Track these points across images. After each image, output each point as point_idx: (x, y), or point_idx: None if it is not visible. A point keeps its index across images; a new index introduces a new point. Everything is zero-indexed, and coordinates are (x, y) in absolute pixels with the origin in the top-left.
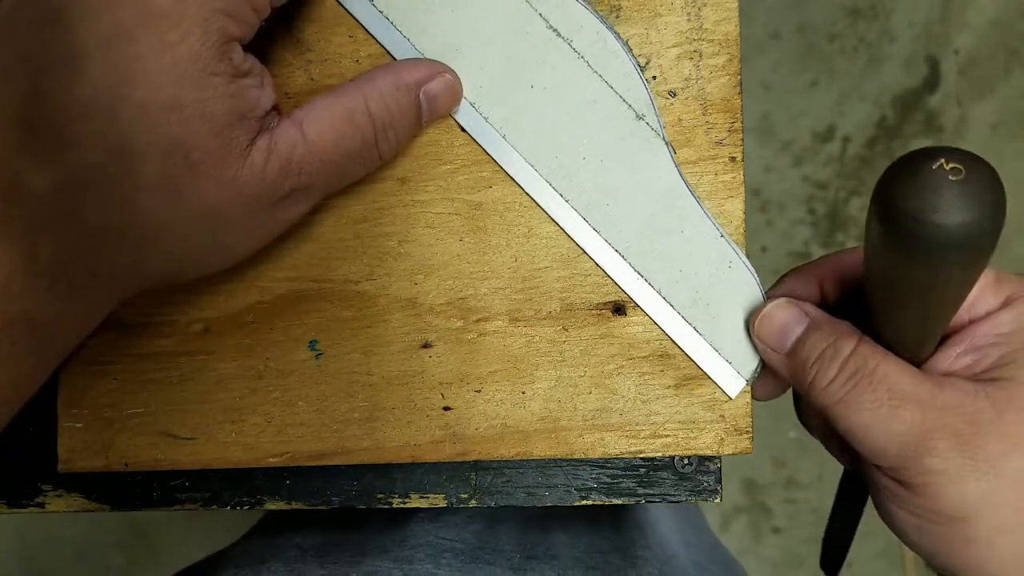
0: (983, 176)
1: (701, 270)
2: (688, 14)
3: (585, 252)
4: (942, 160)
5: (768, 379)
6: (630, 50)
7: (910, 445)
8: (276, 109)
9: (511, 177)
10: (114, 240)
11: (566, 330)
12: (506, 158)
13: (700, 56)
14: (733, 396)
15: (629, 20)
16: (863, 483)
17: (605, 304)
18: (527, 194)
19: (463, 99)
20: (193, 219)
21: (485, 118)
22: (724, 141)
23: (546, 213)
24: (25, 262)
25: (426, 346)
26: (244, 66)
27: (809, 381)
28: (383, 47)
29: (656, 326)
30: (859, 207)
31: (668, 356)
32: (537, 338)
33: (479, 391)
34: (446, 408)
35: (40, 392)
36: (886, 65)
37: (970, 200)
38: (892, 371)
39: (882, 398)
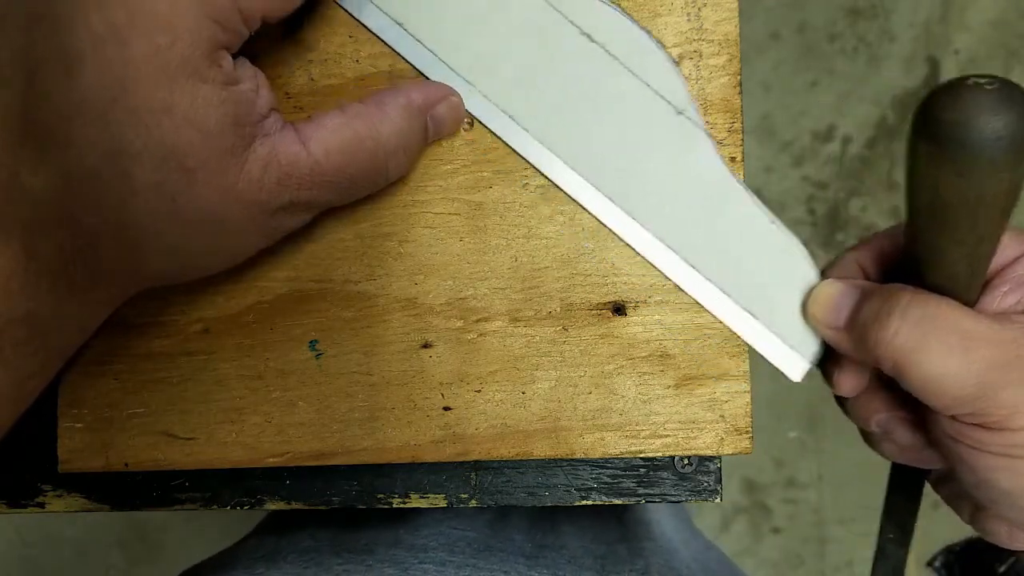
0: (1012, 85)
1: (756, 259)
2: (688, 14)
3: (638, 253)
4: (974, 79)
5: (847, 371)
6: (663, 47)
7: (987, 384)
8: (276, 113)
9: (558, 186)
10: (112, 242)
11: (566, 330)
12: (552, 169)
13: (700, 56)
14: (799, 380)
15: None
16: (917, 475)
17: (605, 304)
18: (576, 202)
19: (503, 113)
20: (190, 224)
21: (526, 130)
22: (724, 141)
23: (598, 220)
24: (24, 262)
25: (426, 346)
26: (235, 73)
27: (874, 341)
28: (414, 67)
29: (713, 314)
30: (859, 207)
31: (668, 356)
32: (537, 338)
33: (479, 391)
34: (446, 408)
35: (40, 392)
36: (886, 65)
37: (1008, 102)
38: (955, 314)
39: (952, 341)
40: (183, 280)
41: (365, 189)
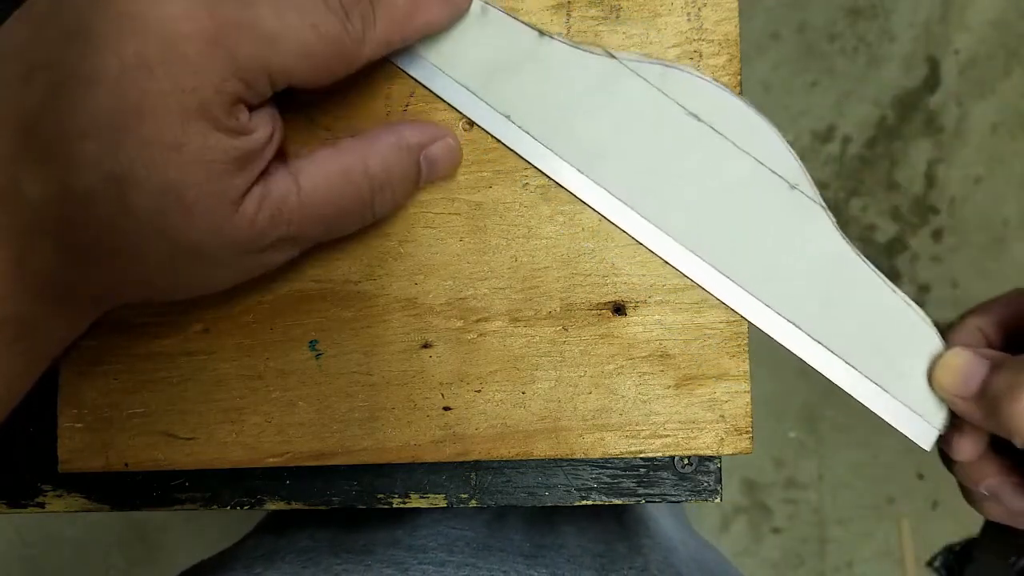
0: None
1: (878, 328)
2: (688, 14)
3: (757, 327)
4: None
5: (968, 437)
6: (773, 124)
7: None
8: (280, 155)
9: (676, 268)
10: (100, 258)
11: (566, 330)
12: (668, 251)
13: (700, 56)
14: (928, 448)
15: (629, 20)
16: (1015, 534)
17: (605, 304)
18: (692, 281)
19: (615, 199)
20: (179, 252)
21: (641, 215)
22: None
23: (717, 299)
24: (13, 268)
25: (426, 346)
26: (250, 124)
27: (1007, 413)
28: (526, 160)
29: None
30: (859, 207)
31: (668, 356)
32: (537, 338)
33: (479, 391)
34: (446, 408)
35: (40, 392)
36: (886, 65)
37: None
38: None
39: None
40: (165, 301)
41: (352, 224)
